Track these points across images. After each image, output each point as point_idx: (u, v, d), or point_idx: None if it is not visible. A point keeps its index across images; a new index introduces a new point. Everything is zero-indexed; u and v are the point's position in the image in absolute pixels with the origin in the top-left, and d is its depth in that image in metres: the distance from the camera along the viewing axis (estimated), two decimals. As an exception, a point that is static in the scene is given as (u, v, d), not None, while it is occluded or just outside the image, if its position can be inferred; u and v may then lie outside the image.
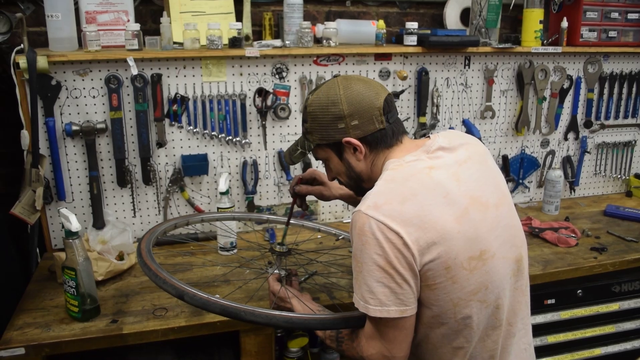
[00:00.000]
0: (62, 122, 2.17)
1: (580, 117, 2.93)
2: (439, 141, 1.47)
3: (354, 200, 1.88)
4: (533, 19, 2.60)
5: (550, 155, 2.94)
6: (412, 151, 1.47)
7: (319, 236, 2.41)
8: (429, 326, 1.41)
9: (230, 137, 2.38)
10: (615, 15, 2.74)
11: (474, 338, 1.42)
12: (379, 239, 1.30)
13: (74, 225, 1.70)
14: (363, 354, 1.44)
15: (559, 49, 2.66)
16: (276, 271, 1.79)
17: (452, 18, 2.75)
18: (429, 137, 1.52)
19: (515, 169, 2.89)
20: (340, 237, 2.27)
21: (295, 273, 1.84)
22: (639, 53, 2.89)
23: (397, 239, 1.29)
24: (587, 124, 2.93)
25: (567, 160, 2.98)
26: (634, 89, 2.96)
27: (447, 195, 1.35)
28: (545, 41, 2.70)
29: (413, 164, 1.42)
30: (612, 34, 2.75)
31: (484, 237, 1.37)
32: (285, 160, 1.70)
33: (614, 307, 2.39)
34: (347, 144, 1.47)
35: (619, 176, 3.10)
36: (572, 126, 2.92)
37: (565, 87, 2.83)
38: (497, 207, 1.44)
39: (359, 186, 1.57)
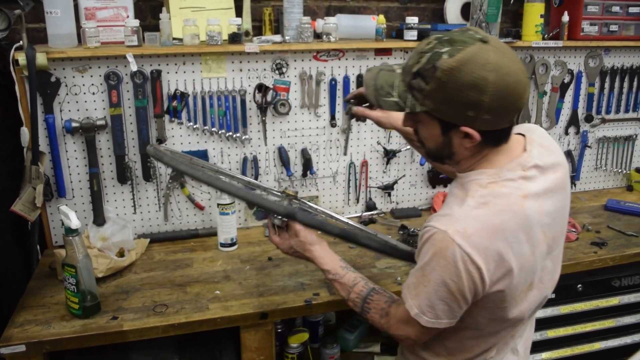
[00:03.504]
0: (61, 119, 2.17)
1: (581, 112, 2.92)
2: (535, 155, 1.35)
3: (410, 139, 1.79)
4: (534, 13, 2.58)
5: (551, 150, 2.93)
6: (509, 160, 1.34)
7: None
8: (452, 328, 1.41)
9: (230, 133, 2.37)
10: (616, 9, 2.72)
11: (487, 343, 1.45)
12: (459, 268, 1.24)
13: (74, 222, 1.70)
14: (390, 330, 1.45)
15: (560, 43, 2.65)
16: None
17: (452, 12, 2.74)
18: (523, 135, 1.41)
19: (516, 164, 2.88)
20: None
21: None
22: (640, 47, 2.89)
23: (477, 273, 1.24)
24: (588, 119, 2.92)
25: (567, 155, 2.97)
26: (635, 83, 2.95)
27: (530, 232, 1.30)
28: (546, 35, 2.69)
29: (508, 186, 1.30)
30: (613, 28, 2.74)
31: (537, 270, 1.37)
32: (368, 96, 1.42)
33: (614, 301, 2.40)
34: (465, 132, 1.27)
35: (619, 170, 3.09)
36: (573, 120, 2.91)
37: (566, 81, 2.82)
38: (555, 240, 1.41)
39: (442, 161, 1.42)
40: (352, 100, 1.84)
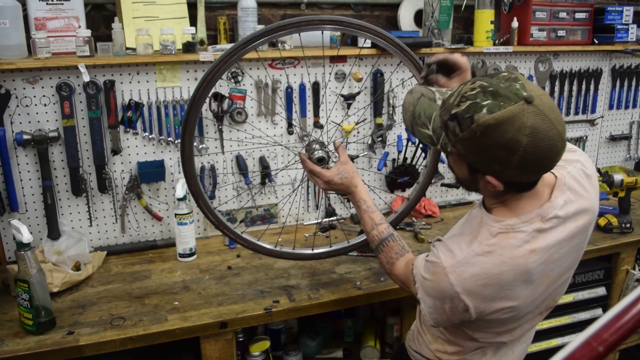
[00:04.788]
0: (12, 132, 2.12)
1: (533, 115, 2.99)
2: (558, 205, 1.33)
3: None
4: (484, 20, 2.65)
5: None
6: (530, 209, 1.33)
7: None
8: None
9: (187, 143, 2.35)
10: (563, 15, 2.81)
11: (481, 345, 1.51)
12: (447, 299, 1.34)
13: (25, 236, 1.67)
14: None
15: (510, 49, 2.72)
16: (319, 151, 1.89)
17: (406, 20, 2.78)
18: (556, 176, 1.37)
19: (472, 167, 2.93)
20: None
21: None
22: (587, 51, 2.98)
23: (463, 307, 1.33)
24: (540, 121, 3.00)
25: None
26: (584, 86, 3.05)
27: (530, 280, 1.32)
28: (497, 41, 2.75)
29: (518, 238, 1.30)
30: (561, 33, 2.83)
31: (537, 303, 1.41)
32: (404, 120, 1.44)
33: (568, 298, 2.46)
34: (489, 180, 1.28)
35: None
36: (526, 123, 2.98)
37: (517, 85, 2.89)
38: (562, 274, 1.41)
39: (470, 190, 1.46)
40: (432, 66, 1.71)
